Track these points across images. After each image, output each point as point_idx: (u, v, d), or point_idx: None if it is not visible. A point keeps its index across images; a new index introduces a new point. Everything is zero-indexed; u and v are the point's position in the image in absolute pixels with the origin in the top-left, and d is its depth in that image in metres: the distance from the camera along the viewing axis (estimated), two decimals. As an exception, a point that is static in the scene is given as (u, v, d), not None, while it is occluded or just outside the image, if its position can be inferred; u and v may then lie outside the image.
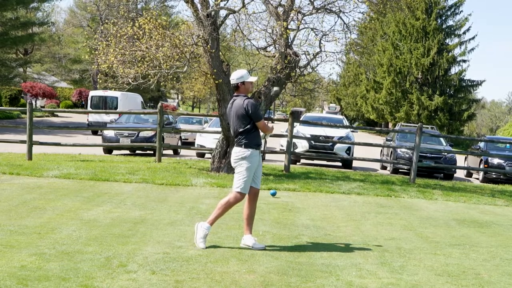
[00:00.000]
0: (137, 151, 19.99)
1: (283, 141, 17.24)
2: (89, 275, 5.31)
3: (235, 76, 6.75)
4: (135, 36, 13.74)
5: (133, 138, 19.15)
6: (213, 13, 13.46)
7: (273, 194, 11.09)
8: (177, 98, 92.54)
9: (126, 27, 13.63)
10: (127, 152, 19.96)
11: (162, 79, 14.21)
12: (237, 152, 6.84)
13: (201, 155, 20.32)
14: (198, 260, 6.05)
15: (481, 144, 22.02)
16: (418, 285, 5.77)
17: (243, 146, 6.76)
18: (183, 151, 21.67)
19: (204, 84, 17.18)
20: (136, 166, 14.55)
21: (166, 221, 8.02)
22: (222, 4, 13.61)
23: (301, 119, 19.58)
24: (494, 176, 19.54)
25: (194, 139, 21.47)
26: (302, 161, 20.34)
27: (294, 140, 17.19)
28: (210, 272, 5.66)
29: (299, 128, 19.37)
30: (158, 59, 13.40)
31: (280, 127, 22.55)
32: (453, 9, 52.71)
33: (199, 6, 13.43)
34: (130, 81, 13.91)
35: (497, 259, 7.18)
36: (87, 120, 31.85)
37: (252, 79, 6.83)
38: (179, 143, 22.27)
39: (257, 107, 6.93)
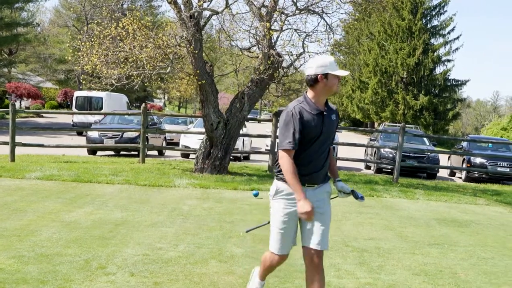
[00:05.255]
0: (122, 152, 19.96)
1: (268, 141, 17.28)
2: (67, 277, 5.32)
3: (316, 64, 4.23)
4: (119, 37, 13.73)
5: (117, 139, 19.12)
6: (196, 14, 13.47)
7: (256, 195, 11.13)
8: (163, 98, 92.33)
9: (110, 27, 13.61)
10: (112, 153, 19.91)
11: (145, 80, 14.19)
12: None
13: (186, 155, 20.32)
14: (177, 262, 6.08)
15: (464, 144, 22.23)
16: (395, 284, 5.84)
17: (275, 177, 4.44)
18: (168, 152, 21.65)
19: (187, 85, 17.15)
20: (120, 167, 14.54)
21: (147, 223, 8.03)
22: (205, 5, 13.63)
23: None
24: (476, 175, 19.73)
25: (180, 140, 21.47)
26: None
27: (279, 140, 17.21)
28: (189, 274, 5.69)
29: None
30: (141, 60, 13.40)
31: (266, 127, 22.55)
32: (437, 9, 53.07)
33: (182, 7, 13.44)
34: (113, 82, 13.89)
35: (474, 258, 7.27)
36: (72, 121, 31.73)
37: (341, 72, 4.26)
38: (164, 144, 22.25)
39: None
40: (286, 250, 4.39)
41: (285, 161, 4.13)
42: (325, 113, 4.24)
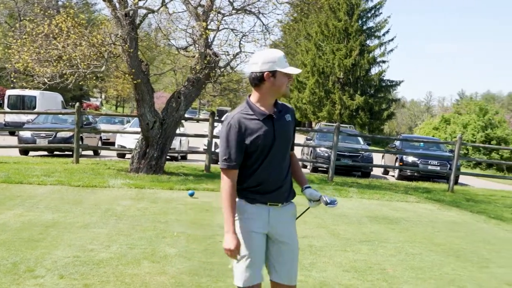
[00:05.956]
0: (55, 152, 19.51)
1: (206, 141, 17.26)
2: (-7, 281, 5.19)
3: (262, 60, 3.49)
4: (52, 35, 13.43)
5: (51, 138, 18.67)
6: (131, 12, 13.32)
7: (191, 195, 11.12)
8: (100, 97, 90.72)
9: (43, 24, 13.30)
10: (45, 153, 19.44)
11: (79, 79, 13.92)
12: None
13: (122, 155, 20.06)
14: (109, 263, 6.01)
15: (397, 143, 22.86)
16: (326, 281, 5.96)
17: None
18: (104, 152, 21.31)
19: (123, 84, 16.95)
20: (53, 167, 14.21)
21: (79, 224, 7.89)
22: (141, 3, 13.51)
23: (222, 119, 19.67)
24: (408, 174, 20.32)
25: (116, 139, 21.15)
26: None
27: (216, 140, 17.25)
28: (120, 275, 5.63)
29: (220, 128, 19.42)
30: (75, 58, 13.16)
31: (204, 127, 22.55)
32: (373, 11, 54.27)
33: (117, 5, 13.27)
34: (46, 81, 13.58)
35: (402, 254, 7.51)
36: (4, 120, 30.79)
37: (292, 70, 3.53)
38: (99, 144, 21.87)
39: None
40: (255, 280, 3.53)
41: (223, 185, 3.48)
42: (274, 116, 3.53)
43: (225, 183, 3.47)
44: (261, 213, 3.54)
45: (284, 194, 3.60)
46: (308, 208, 3.78)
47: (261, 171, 3.51)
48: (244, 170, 3.52)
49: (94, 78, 15.26)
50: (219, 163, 3.51)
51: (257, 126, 3.46)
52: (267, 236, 3.59)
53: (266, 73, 3.45)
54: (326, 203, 3.60)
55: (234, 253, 3.43)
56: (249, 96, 3.61)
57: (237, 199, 3.56)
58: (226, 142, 3.46)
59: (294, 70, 3.53)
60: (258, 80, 3.48)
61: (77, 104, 16.37)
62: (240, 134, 3.43)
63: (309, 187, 3.78)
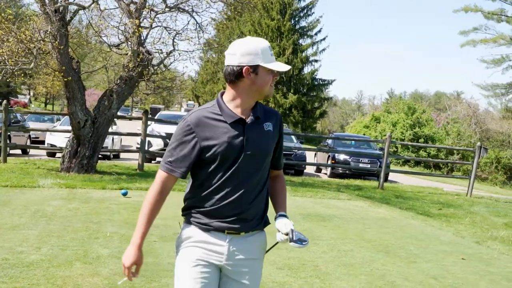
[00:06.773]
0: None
1: (139, 140, 17.09)
2: None
3: (241, 51, 2.68)
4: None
5: (-24, 138, 17.99)
6: (61, 8, 13.03)
7: (124, 194, 10.98)
8: (29, 94, 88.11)
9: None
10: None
11: (6, 76, 13.50)
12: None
13: (52, 154, 19.58)
14: (39, 265, 5.87)
15: (329, 141, 23.28)
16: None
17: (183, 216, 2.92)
18: (33, 151, 20.74)
19: (53, 81, 16.54)
20: (-21, 167, 13.75)
21: (7, 226, 7.67)
22: (71, -1, 13.24)
23: (156, 117, 19.55)
24: (340, 171, 20.74)
25: (45, 138, 20.62)
26: (158, 159, 20.26)
27: (149, 138, 17.11)
28: (52, 277, 5.52)
29: (154, 127, 19.30)
30: (2, 55, 12.77)
31: (137, 125, 22.30)
32: (305, 11, 55.07)
33: (46, 0, 12.94)
34: (-29, 77, 13.11)
35: (335, 251, 7.68)
36: None
37: (279, 67, 2.73)
38: (28, 142, 21.27)
39: None
40: None
41: (151, 187, 2.79)
42: (248, 121, 2.72)
43: (155, 186, 2.78)
44: (217, 242, 2.76)
45: (251, 221, 2.81)
46: (277, 243, 2.93)
47: (221, 187, 2.73)
48: (198, 186, 2.80)
49: (23, 75, 14.81)
50: (161, 162, 2.80)
51: (221, 130, 2.68)
52: (221, 270, 2.81)
53: (245, 67, 2.67)
54: (291, 240, 2.77)
55: (127, 269, 2.81)
56: (222, 94, 2.81)
57: (187, 227, 2.84)
58: (175, 141, 2.71)
59: (281, 67, 2.76)
60: (234, 76, 2.69)
61: (4, 101, 15.86)
62: (195, 136, 2.67)
63: (285, 215, 2.94)
